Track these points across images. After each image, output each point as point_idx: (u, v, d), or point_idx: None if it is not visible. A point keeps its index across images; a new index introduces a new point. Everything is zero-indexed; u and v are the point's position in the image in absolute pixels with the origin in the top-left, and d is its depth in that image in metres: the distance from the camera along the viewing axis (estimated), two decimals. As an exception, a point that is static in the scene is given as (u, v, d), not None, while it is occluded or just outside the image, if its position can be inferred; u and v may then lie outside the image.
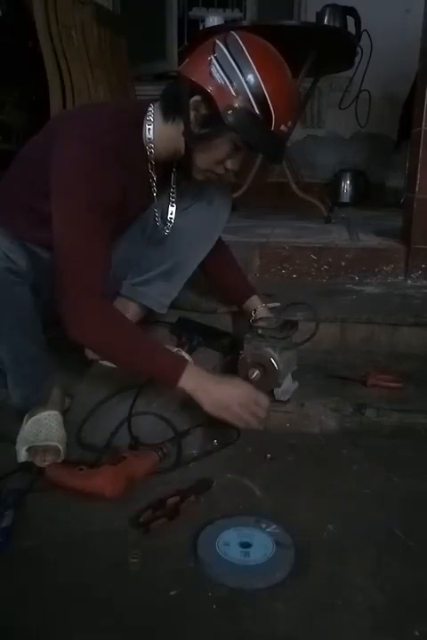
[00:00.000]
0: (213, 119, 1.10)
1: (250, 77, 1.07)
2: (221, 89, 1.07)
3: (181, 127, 1.15)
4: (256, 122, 1.09)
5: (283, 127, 1.13)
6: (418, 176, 1.89)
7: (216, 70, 1.08)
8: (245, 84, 1.07)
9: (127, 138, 1.18)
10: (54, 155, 1.11)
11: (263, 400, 1.17)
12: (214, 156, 1.17)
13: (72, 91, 2.67)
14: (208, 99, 1.09)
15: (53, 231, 1.11)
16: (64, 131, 1.14)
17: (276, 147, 1.18)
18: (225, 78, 1.07)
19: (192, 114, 1.12)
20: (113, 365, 1.38)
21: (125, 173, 1.16)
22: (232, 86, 1.07)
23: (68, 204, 1.10)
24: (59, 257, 1.11)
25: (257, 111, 1.08)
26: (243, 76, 1.07)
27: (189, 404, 1.27)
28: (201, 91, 1.09)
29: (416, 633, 0.78)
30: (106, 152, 1.11)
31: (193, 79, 1.10)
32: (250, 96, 1.07)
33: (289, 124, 1.14)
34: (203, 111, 1.11)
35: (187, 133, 1.15)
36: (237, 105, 1.07)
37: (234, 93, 1.07)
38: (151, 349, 1.18)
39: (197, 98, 1.11)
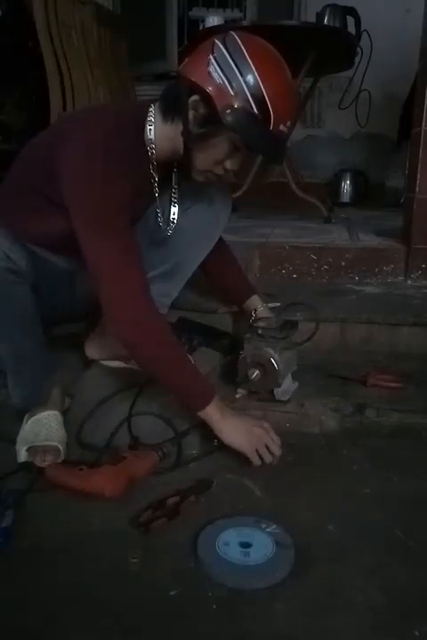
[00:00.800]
0: (212, 119, 1.09)
1: (249, 77, 1.07)
2: (220, 89, 1.07)
3: (180, 127, 1.15)
4: (255, 122, 1.09)
5: (282, 127, 1.13)
6: (418, 176, 1.89)
7: (215, 70, 1.07)
8: (243, 84, 1.07)
9: (130, 139, 1.18)
10: (61, 162, 1.11)
11: (277, 437, 1.18)
12: (213, 156, 1.16)
13: (72, 91, 2.67)
14: (207, 98, 1.09)
15: (81, 241, 1.11)
16: (68, 136, 1.14)
17: (275, 147, 1.17)
18: (224, 78, 1.07)
19: (191, 113, 1.12)
20: (113, 365, 1.38)
21: (130, 174, 1.16)
22: (231, 86, 1.07)
23: (90, 211, 1.10)
24: (96, 267, 1.12)
25: (256, 111, 1.08)
26: (242, 75, 1.07)
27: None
28: (200, 90, 1.09)
29: (416, 633, 0.78)
30: (111, 154, 1.10)
31: (192, 79, 1.10)
32: (249, 96, 1.07)
33: (288, 124, 1.14)
34: (201, 111, 1.11)
35: (186, 133, 1.15)
36: (235, 105, 1.07)
37: (233, 93, 1.07)
38: (193, 369, 1.18)
39: (195, 97, 1.10)
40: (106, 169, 1.10)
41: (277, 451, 1.16)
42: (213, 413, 1.15)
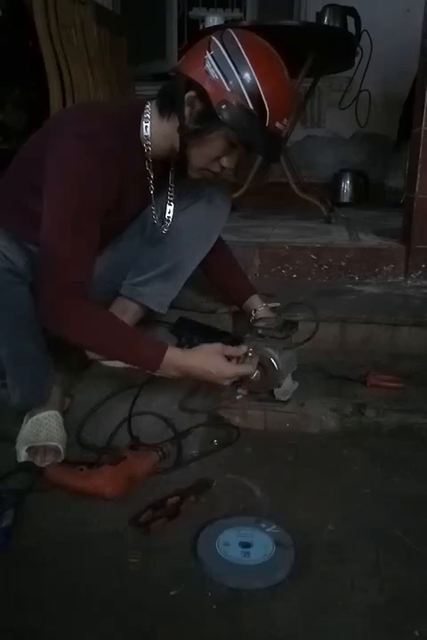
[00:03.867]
0: (208, 115, 1.09)
1: (245, 74, 1.07)
2: (216, 85, 1.08)
3: (177, 123, 1.15)
4: (251, 118, 1.09)
5: (278, 124, 1.13)
6: (418, 176, 1.89)
7: (211, 66, 1.08)
8: (239, 81, 1.07)
9: (124, 136, 1.18)
10: (50, 154, 1.11)
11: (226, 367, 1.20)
12: (209, 153, 1.16)
13: (72, 91, 2.67)
14: (203, 94, 1.09)
15: (41, 228, 1.10)
16: (60, 130, 1.14)
17: (271, 144, 1.17)
18: (220, 74, 1.07)
19: (187, 110, 1.12)
20: (113, 365, 1.38)
21: (121, 172, 1.16)
22: (227, 82, 1.07)
23: (57, 201, 1.10)
24: (43, 253, 1.11)
25: (252, 108, 1.08)
26: (238, 72, 1.07)
27: (188, 408, 1.30)
28: (196, 87, 1.09)
29: (416, 633, 0.78)
30: (100, 151, 1.10)
31: (188, 75, 1.10)
32: (244, 92, 1.07)
33: (285, 121, 1.14)
34: (197, 107, 1.11)
35: (182, 129, 1.15)
36: (231, 101, 1.07)
37: (228, 89, 1.07)
38: (130, 339, 1.18)
39: (191, 93, 1.11)
40: (92, 167, 1.09)
41: (231, 372, 1.19)
42: (167, 373, 1.16)
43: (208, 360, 1.17)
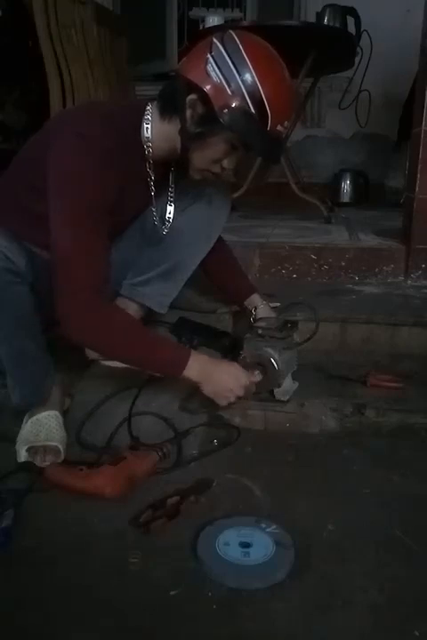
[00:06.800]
0: (209, 118, 1.10)
1: (246, 76, 1.07)
2: (217, 88, 1.08)
3: (178, 126, 1.15)
4: (252, 121, 1.09)
5: (279, 127, 1.13)
6: (418, 176, 1.89)
7: (213, 69, 1.08)
8: (241, 83, 1.07)
9: (124, 137, 1.18)
10: (51, 154, 1.11)
11: (245, 380, 1.24)
12: (211, 155, 1.17)
13: (72, 91, 2.67)
14: (204, 97, 1.09)
15: (50, 232, 1.10)
16: (60, 130, 1.14)
17: (272, 147, 1.18)
18: (221, 77, 1.07)
19: (188, 112, 1.12)
20: (113, 365, 1.38)
21: (122, 172, 1.16)
22: (228, 85, 1.07)
23: (65, 204, 1.10)
24: (56, 258, 1.11)
25: (253, 110, 1.08)
26: (239, 75, 1.07)
27: (188, 408, 1.30)
28: (197, 89, 1.09)
29: (416, 633, 0.78)
30: (102, 152, 1.10)
31: (190, 78, 1.10)
32: (246, 95, 1.07)
33: (286, 124, 1.15)
34: (199, 110, 1.11)
35: (183, 132, 1.15)
36: (233, 104, 1.07)
37: (230, 92, 1.07)
38: (153, 344, 1.19)
39: (193, 96, 1.11)
40: (93, 167, 1.09)
41: (245, 394, 1.24)
42: (191, 375, 1.18)
43: (228, 366, 1.25)
